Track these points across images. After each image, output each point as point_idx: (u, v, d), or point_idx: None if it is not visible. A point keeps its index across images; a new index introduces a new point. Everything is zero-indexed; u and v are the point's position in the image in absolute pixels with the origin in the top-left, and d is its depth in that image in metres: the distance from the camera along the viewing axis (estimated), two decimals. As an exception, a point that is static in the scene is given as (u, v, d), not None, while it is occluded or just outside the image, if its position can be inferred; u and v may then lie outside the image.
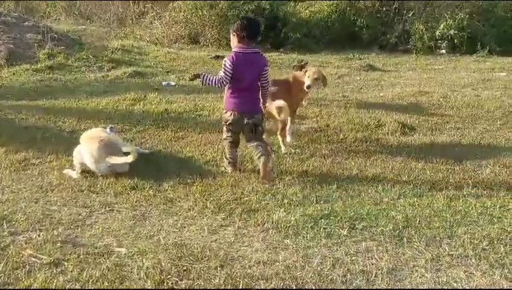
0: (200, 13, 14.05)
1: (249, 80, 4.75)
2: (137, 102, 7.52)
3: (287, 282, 3.00)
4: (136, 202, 4.15)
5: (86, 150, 4.63)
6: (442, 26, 14.43)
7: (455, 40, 14.37)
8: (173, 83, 9.25)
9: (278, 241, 3.52)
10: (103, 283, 2.89)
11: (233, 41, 4.77)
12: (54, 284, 2.86)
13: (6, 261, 3.11)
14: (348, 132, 6.35)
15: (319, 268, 3.16)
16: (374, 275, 3.10)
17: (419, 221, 3.84)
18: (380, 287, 3.00)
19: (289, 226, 3.72)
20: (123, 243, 3.43)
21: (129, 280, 2.96)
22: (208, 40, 13.99)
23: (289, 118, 5.67)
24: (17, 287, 2.86)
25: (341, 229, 3.71)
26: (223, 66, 4.68)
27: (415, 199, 4.31)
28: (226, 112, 4.87)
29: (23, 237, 3.48)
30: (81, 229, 3.64)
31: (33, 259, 3.16)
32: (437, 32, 14.45)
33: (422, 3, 15.49)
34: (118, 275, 2.99)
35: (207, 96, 7.96)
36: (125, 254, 3.27)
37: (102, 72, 10.01)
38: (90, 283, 2.89)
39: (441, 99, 8.24)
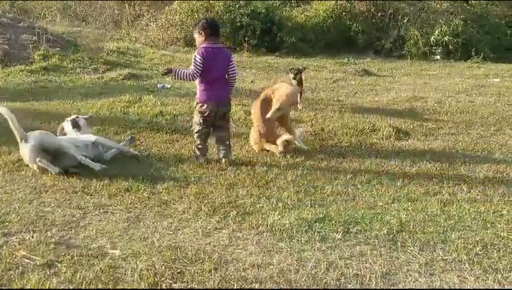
0: (196, 16, 14.05)
1: (218, 72, 5.21)
2: (132, 104, 7.51)
3: (281, 285, 3.00)
4: (130, 204, 4.14)
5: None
6: (437, 32, 14.50)
7: (450, 46, 14.44)
8: (168, 86, 9.25)
9: (272, 245, 3.51)
10: (97, 285, 2.88)
11: (200, 39, 5.24)
12: (48, 285, 2.85)
13: (-1, 262, 3.09)
14: (343, 136, 6.37)
15: (313, 271, 3.16)
16: (368, 279, 3.10)
17: (413, 225, 3.85)
18: (373, 291, 3.00)
19: (283, 229, 3.72)
20: (117, 245, 3.41)
21: (123, 282, 2.94)
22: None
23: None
24: (10, 289, 2.84)
25: (335, 233, 3.71)
26: (193, 60, 5.15)
27: (409, 203, 4.32)
28: (202, 106, 5.22)
29: (16, 238, 3.46)
30: (75, 231, 3.62)
31: (26, 260, 3.14)
32: (432, 38, 14.52)
33: (417, 9, 15.57)
34: (112, 277, 2.98)
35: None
36: (119, 256, 3.26)
37: (97, 74, 10.00)
38: (83, 284, 2.88)
39: (435, 105, 8.28)
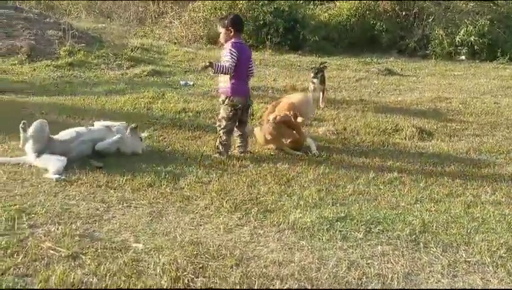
0: (219, 14, 14.09)
1: (245, 66, 5.39)
2: (156, 100, 7.57)
3: (302, 283, 3.00)
4: (153, 198, 4.18)
5: None
6: (462, 32, 14.30)
7: (475, 47, 14.22)
8: (191, 83, 9.30)
9: (294, 242, 3.52)
10: (120, 277, 2.91)
11: (228, 35, 5.33)
12: (72, 276, 2.89)
13: (25, 253, 3.14)
14: (365, 136, 6.34)
15: (334, 270, 3.16)
16: (389, 279, 3.09)
17: (436, 227, 3.82)
18: (395, 292, 2.99)
19: (305, 227, 3.72)
20: (140, 239, 3.45)
21: (146, 275, 2.98)
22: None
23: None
24: (35, 279, 2.90)
25: (357, 232, 3.70)
26: (229, 53, 5.17)
27: (432, 204, 4.28)
28: (233, 99, 5.31)
29: (42, 229, 3.52)
30: (99, 224, 3.67)
31: (52, 252, 3.19)
32: (457, 38, 14.32)
33: (442, 9, 15.37)
34: (135, 270, 3.02)
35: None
36: (142, 249, 3.29)
37: (122, 70, 10.10)
38: (107, 277, 2.91)
39: (460, 106, 8.19)
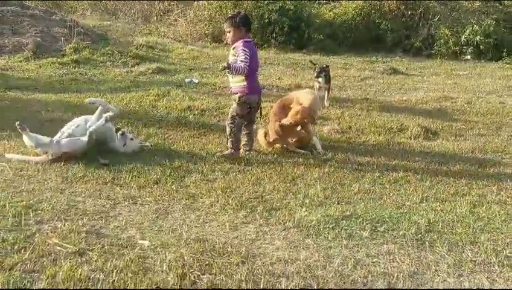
0: (224, 12, 14.08)
1: (256, 65, 5.39)
2: (161, 98, 7.58)
3: (308, 281, 3.01)
4: (159, 196, 4.20)
5: None
6: (468, 31, 14.24)
7: (481, 46, 14.17)
8: (196, 81, 9.30)
9: (299, 241, 3.53)
10: (127, 274, 2.93)
11: (239, 34, 5.23)
12: (79, 272, 2.90)
13: (32, 249, 3.16)
14: (370, 135, 6.34)
15: (340, 268, 3.17)
16: (395, 278, 3.09)
17: (441, 226, 3.82)
18: (401, 290, 2.99)
19: (310, 225, 3.73)
20: (146, 236, 3.47)
21: (152, 272, 2.99)
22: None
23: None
24: (42, 275, 2.91)
25: (362, 230, 3.70)
26: (243, 52, 5.11)
27: (438, 203, 4.28)
28: (250, 97, 5.30)
29: (48, 226, 3.53)
30: (105, 221, 3.69)
31: (58, 248, 3.21)
32: (462, 38, 14.28)
33: (448, 9, 15.33)
34: (141, 267, 3.03)
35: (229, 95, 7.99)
36: (148, 246, 3.31)
37: (127, 68, 10.10)
38: (114, 273, 2.93)
39: (465, 105, 8.17)
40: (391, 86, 9.86)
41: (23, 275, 2.88)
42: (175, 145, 5.57)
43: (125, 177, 4.54)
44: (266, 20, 13.67)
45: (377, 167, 5.19)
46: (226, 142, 5.39)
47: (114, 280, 2.87)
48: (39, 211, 3.75)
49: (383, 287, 3.01)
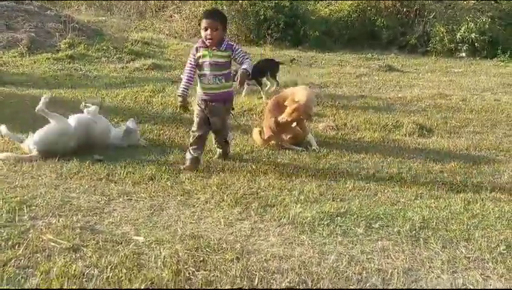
0: (220, 8, 14.07)
1: None
2: (156, 94, 7.57)
3: (303, 277, 3.01)
4: (153, 192, 4.19)
5: None
6: (463, 29, 14.30)
7: (476, 44, 14.23)
8: (191, 77, 9.26)
9: (294, 237, 3.52)
10: (121, 270, 2.92)
11: (224, 31, 5.00)
12: (73, 268, 2.89)
13: (26, 245, 3.14)
14: (365, 132, 6.35)
15: (334, 265, 3.17)
16: (389, 274, 3.09)
17: (436, 223, 3.82)
18: (395, 287, 2.99)
19: (305, 222, 3.73)
20: (141, 232, 3.46)
21: (147, 268, 2.98)
22: (226, 35, 13.98)
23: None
24: (36, 271, 2.90)
25: (357, 227, 3.71)
26: (244, 52, 4.93)
27: (432, 200, 4.29)
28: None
29: (43, 222, 3.52)
30: (100, 217, 3.68)
31: (53, 244, 3.19)
32: (458, 35, 14.33)
33: (443, 6, 15.36)
34: (136, 263, 3.02)
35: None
36: (143, 242, 3.30)
37: (122, 64, 10.09)
38: (108, 269, 2.92)
39: (460, 103, 8.19)
40: (386, 83, 9.88)
41: (17, 271, 2.86)
42: (170, 142, 5.56)
43: (120, 173, 4.53)
44: (262, 16, 13.68)
45: (372, 163, 5.20)
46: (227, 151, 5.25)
47: (108, 276, 2.86)
48: (33, 207, 3.73)
49: (377, 284, 3.01)
